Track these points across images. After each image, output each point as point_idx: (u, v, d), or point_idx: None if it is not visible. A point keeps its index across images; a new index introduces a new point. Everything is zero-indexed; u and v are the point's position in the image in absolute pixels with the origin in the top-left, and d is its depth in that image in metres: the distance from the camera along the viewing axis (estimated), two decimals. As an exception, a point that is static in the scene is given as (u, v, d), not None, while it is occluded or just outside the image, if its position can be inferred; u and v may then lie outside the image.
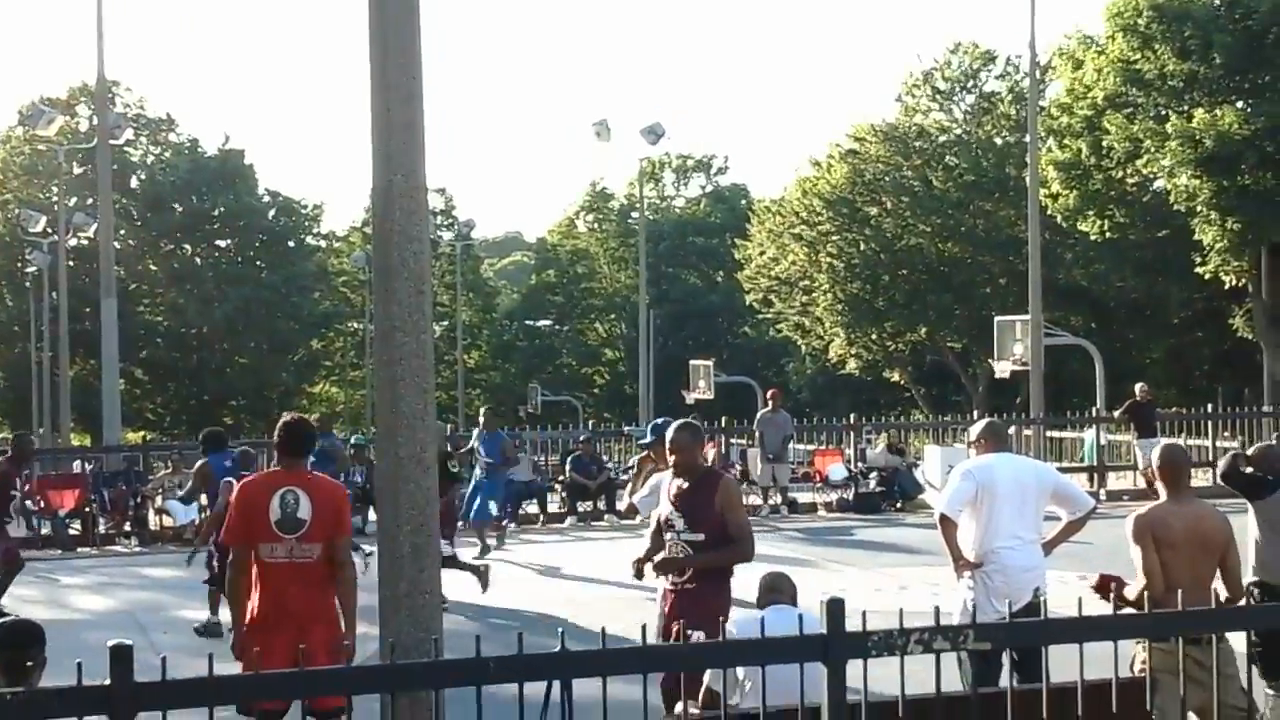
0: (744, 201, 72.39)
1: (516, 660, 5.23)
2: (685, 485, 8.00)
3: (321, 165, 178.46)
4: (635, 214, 63.99)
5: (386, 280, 7.55)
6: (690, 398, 44.97)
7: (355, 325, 72.00)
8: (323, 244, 76.25)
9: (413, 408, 7.48)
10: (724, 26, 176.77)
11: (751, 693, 7.10)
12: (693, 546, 7.89)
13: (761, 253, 57.14)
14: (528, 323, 77.07)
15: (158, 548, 21.17)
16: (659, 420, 11.24)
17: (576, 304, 78.87)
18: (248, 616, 7.51)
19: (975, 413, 39.40)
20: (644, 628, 5.60)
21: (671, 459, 8.15)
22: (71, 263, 48.78)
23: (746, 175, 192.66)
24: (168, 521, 22.40)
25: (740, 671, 6.93)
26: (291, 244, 71.35)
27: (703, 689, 7.35)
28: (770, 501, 24.38)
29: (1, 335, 66.82)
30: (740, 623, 7.16)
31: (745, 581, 8.18)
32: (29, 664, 5.64)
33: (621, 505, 22.15)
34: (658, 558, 8.05)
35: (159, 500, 22.82)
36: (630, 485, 18.42)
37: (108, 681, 4.73)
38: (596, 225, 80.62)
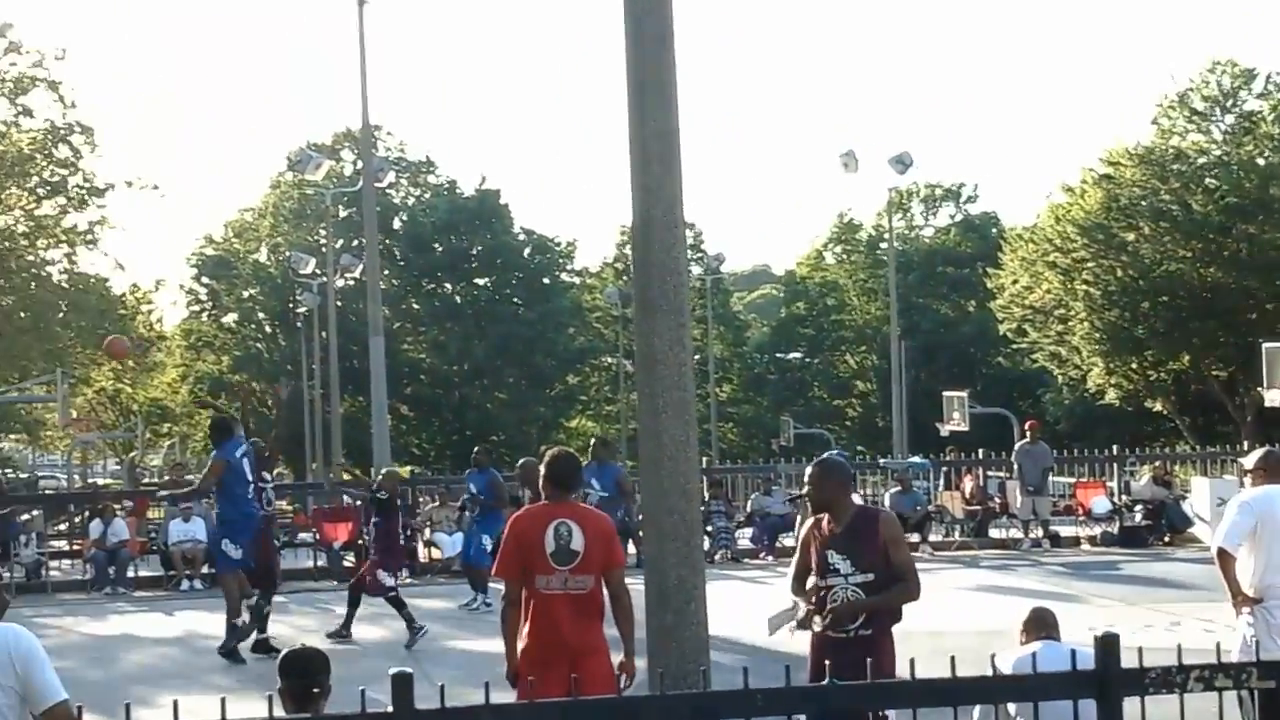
0: (995, 230, 71.09)
1: (785, 693, 5.25)
2: (839, 527, 7.48)
3: (572, 202, 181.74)
4: (884, 244, 63.44)
5: (647, 314, 7.63)
6: (945, 429, 44.34)
7: (609, 359, 72.92)
8: (576, 280, 77.49)
9: (675, 438, 7.55)
10: (971, 53, 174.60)
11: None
12: (864, 589, 7.36)
13: (1014, 281, 56.02)
14: (778, 355, 76.95)
15: (427, 579, 21.73)
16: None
17: (826, 336, 78.48)
18: (520, 646, 7.59)
19: (1245, 444, 37.91)
20: (912, 661, 5.56)
21: (814, 496, 7.56)
22: (339, 302, 50.50)
23: (996, 203, 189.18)
24: (435, 554, 23.02)
25: (1012, 708, 6.80)
26: (546, 281, 72.66)
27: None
28: (1031, 535, 23.92)
29: (276, 373, 69.57)
30: (1012, 658, 7.03)
31: (1008, 615, 8.02)
32: (315, 691, 5.79)
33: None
34: (829, 608, 7.37)
35: (427, 533, 23.46)
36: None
37: (389, 709, 4.88)
38: (845, 256, 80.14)
